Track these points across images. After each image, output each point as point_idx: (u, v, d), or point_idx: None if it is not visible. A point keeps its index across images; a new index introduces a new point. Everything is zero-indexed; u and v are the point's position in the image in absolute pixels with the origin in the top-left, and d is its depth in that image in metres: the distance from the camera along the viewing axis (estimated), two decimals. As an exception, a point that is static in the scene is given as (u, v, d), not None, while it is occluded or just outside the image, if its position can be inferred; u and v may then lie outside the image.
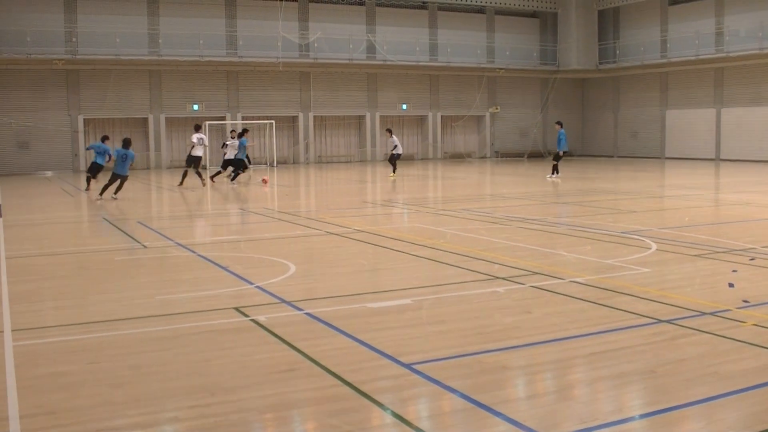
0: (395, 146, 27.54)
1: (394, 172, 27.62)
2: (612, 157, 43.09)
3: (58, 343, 6.03)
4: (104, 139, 22.74)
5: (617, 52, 42.11)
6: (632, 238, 11.18)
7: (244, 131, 26.66)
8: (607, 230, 12.06)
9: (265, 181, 25.19)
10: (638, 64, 40.35)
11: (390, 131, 28.27)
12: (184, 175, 24.75)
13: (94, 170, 22.41)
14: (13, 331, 6.37)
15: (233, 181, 25.19)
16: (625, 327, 6.21)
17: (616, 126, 43.60)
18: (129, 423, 4.40)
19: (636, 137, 42.23)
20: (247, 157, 26.86)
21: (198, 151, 24.36)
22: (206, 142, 24.35)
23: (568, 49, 42.78)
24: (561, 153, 25.64)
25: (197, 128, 25.43)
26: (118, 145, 22.63)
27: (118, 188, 19.98)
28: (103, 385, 5.02)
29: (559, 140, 25.53)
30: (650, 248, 10.19)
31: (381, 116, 41.13)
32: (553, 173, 25.29)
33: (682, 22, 38.84)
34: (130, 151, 19.98)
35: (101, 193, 19.94)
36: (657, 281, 8.08)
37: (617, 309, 6.79)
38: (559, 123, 26.18)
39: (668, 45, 39.29)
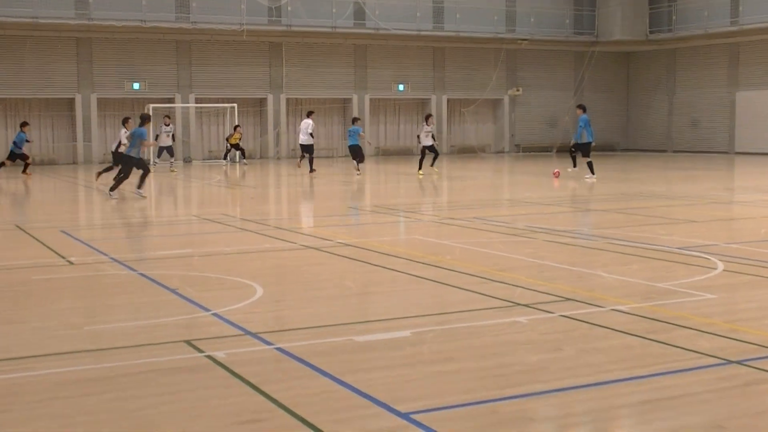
0: (429, 135, 28.69)
1: (422, 168, 28.53)
2: (665, 151, 43.30)
3: (-43, 386, 6.00)
4: (23, 125, 27.32)
5: (673, 17, 42.25)
6: (692, 255, 11.20)
7: (355, 119, 29.87)
8: (660, 245, 12.08)
9: (556, 174, 26.40)
10: (701, 32, 40.43)
11: (429, 116, 29.16)
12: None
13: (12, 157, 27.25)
14: None
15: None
16: (683, 369, 6.20)
17: (671, 112, 43.82)
18: (48, 488, 4.37)
19: (697, 126, 42.43)
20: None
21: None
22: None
23: (610, 15, 42.95)
24: (572, 144, 26.20)
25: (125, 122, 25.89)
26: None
27: (141, 179, 20.43)
28: (16, 440, 4.99)
29: (581, 129, 25.69)
30: (715, 268, 10.20)
31: (371, 99, 41.28)
32: (590, 173, 25.19)
33: (758, -22, 38.95)
34: (141, 128, 20.41)
35: (112, 189, 20.27)
36: (725, 311, 8.09)
37: (673, 346, 6.79)
38: (581, 107, 26.48)
39: (740, 8, 39.31)
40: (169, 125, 31.58)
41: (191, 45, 37.73)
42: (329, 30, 38.76)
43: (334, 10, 38.82)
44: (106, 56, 36.51)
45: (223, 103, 37.24)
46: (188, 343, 7.00)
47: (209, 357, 6.57)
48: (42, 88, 35.68)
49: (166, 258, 11.77)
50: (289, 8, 38.24)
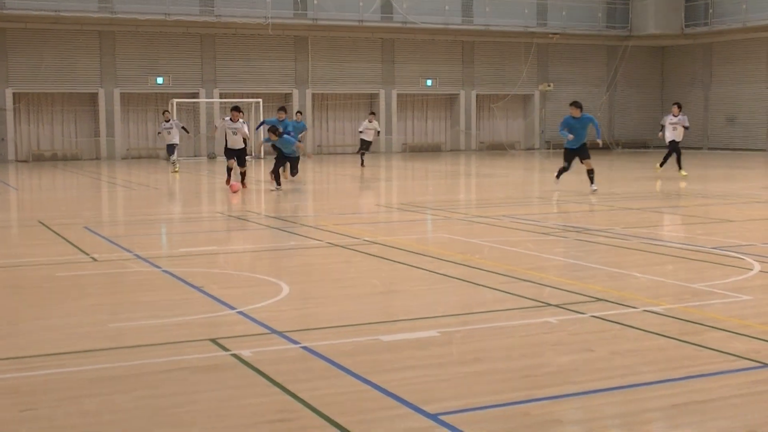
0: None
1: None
2: (701, 149, 43.02)
3: (-17, 383, 6.11)
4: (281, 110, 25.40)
5: (710, 11, 41.98)
6: (727, 255, 11.17)
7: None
8: (695, 245, 12.06)
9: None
10: (739, 26, 40.18)
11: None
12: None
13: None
14: (-75, 366, 6.45)
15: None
16: (717, 372, 6.21)
17: (707, 108, 43.55)
18: (76, 485, 4.46)
19: (733, 123, 42.16)
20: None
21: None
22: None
23: (644, 8, 42.76)
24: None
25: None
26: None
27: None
28: (43, 437, 5.08)
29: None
30: (752, 269, 10.17)
31: (399, 94, 41.27)
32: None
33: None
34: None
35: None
36: (760, 313, 8.07)
37: (707, 348, 6.80)
38: (299, 112, 28.71)
39: (780, 1, 39.05)
40: (169, 121, 29.39)
41: (215, 39, 37.90)
42: (356, 24, 38.82)
43: (361, 4, 38.88)
44: (130, 50, 36.75)
45: (247, 98, 37.37)
46: (213, 341, 7.08)
47: (235, 356, 6.64)
48: (64, 83, 35.97)
49: (191, 255, 11.86)
50: (315, 1, 38.33)
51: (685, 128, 24.91)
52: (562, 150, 20.78)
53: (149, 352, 6.81)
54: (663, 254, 11.41)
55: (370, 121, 30.91)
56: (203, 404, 5.59)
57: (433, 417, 5.28)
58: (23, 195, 22.59)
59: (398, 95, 41.26)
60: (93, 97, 36.70)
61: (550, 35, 42.66)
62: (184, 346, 6.97)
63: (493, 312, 8.14)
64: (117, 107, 36.67)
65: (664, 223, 14.85)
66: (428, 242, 13.01)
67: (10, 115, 35.28)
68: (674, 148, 24.83)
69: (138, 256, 11.43)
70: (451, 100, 42.79)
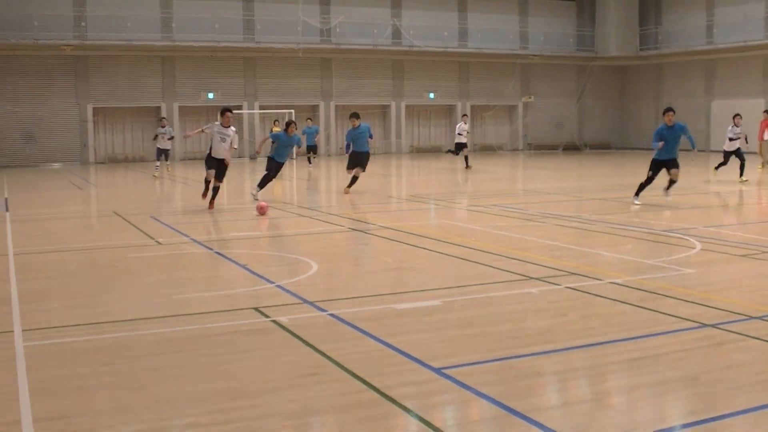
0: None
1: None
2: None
3: (70, 344, 6.15)
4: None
5: (659, 37, 41.78)
6: (675, 237, 11.15)
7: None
8: (649, 228, 12.04)
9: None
10: (682, 50, 39.99)
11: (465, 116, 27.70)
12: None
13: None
14: (23, 330, 6.50)
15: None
16: (667, 331, 6.22)
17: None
18: (146, 428, 4.49)
19: (678, 128, 41.89)
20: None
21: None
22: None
23: (606, 35, 42.52)
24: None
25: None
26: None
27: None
28: (119, 389, 5.12)
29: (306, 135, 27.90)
30: (694, 248, 10.16)
31: (407, 105, 41.17)
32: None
33: (729, 5, 38.44)
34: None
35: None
36: (701, 283, 8.07)
37: (659, 312, 6.80)
38: (309, 119, 28.38)
39: (714, 30, 38.90)
40: (165, 127, 26.43)
41: (256, 61, 37.86)
42: (371, 47, 38.73)
43: (375, 31, 38.80)
44: (186, 71, 36.76)
45: (282, 109, 37.38)
46: (257, 309, 7.11)
47: (275, 321, 6.67)
48: (133, 99, 36.01)
49: (237, 239, 11.90)
50: (337, 30, 38.27)
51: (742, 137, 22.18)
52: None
53: (205, 318, 6.85)
54: (623, 236, 11.40)
55: (464, 123, 27.84)
56: (250, 361, 5.63)
57: (437, 371, 5.31)
58: (101, 190, 22.68)
59: (406, 106, 41.15)
60: (157, 110, 36.69)
61: (531, 57, 42.45)
62: (233, 313, 7.01)
63: (485, 285, 8.15)
64: (176, 118, 36.66)
65: (623, 210, 14.81)
66: (431, 227, 13.02)
67: (90, 126, 35.38)
68: (739, 155, 21.78)
69: (194, 240, 11.48)
70: (450, 109, 42.64)
